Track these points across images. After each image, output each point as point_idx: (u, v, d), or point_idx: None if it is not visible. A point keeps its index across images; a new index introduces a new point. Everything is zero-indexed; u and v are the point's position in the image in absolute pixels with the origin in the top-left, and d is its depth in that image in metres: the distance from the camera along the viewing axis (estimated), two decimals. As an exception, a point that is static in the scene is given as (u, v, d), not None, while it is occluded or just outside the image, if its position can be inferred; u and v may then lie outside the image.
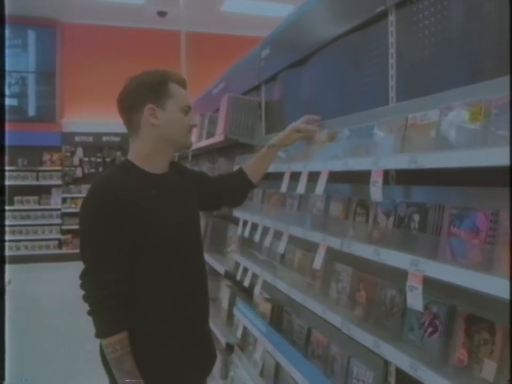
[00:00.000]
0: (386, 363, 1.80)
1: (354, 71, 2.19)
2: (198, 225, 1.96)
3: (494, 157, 1.15)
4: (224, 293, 3.77)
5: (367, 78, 2.07)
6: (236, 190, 2.23)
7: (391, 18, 1.87)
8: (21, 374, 3.89)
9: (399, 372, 1.74)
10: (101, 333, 1.61)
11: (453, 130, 1.40)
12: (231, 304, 3.49)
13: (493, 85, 1.36)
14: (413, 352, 1.47)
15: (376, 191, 1.56)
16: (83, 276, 1.64)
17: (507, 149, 1.11)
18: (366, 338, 1.64)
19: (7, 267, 7.07)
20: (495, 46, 1.45)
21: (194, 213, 1.94)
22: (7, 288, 4.78)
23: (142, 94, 1.72)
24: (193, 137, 4.68)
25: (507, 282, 1.10)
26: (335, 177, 1.98)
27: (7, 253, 7.89)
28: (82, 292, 1.64)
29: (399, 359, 1.46)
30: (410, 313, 1.59)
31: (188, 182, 1.97)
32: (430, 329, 1.50)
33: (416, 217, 1.55)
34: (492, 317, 1.32)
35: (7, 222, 9.21)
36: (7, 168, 9.68)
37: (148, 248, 1.69)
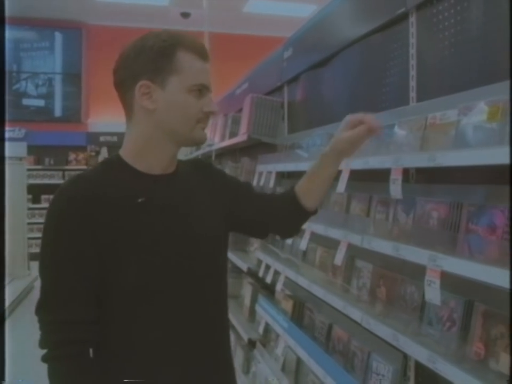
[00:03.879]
0: (405, 358, 1.83)
1: (376, 72, 2.23)
2: (213, 250, 1.38)
3: (505, 154, 1.19)
4: (246, 290, 3.84)
5: (388, 78, 2.11)
6: (287, 219, 1.55)
7: (412, 19, 1.91)
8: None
9: (418, 366, 1.78)
10: None
11: (471, 129, 1.44)
12: (253, 301, 3.55)
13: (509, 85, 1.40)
14: (431, 345, 1.50)
15: (395, 189, 1.60)
16: (38, 311, 1.21)
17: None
18: (385, 332, 1.68)
19: (32, 264, 7.24)
20: (514, 46, 1.48)
21: (210, 233, 1.36)
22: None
23: (136, 65, 1.25)
24: (217, 137, 4.74)
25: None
26: (356, 175, 2.03)
27: (33, 250, 8.10)
28: None
29: (417, 352, 1.50)
30: (429, 308, 1.62)
31: (213, 189, 1.43)
32: (448, 324, 1.53)
33: (435, 214, 1.59)
34: (508, 311, 1.35)
35: (34, 220, 9.42)
36: (34, 167, 9.93)
37: (124, 282, 1.23)
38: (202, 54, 1.28)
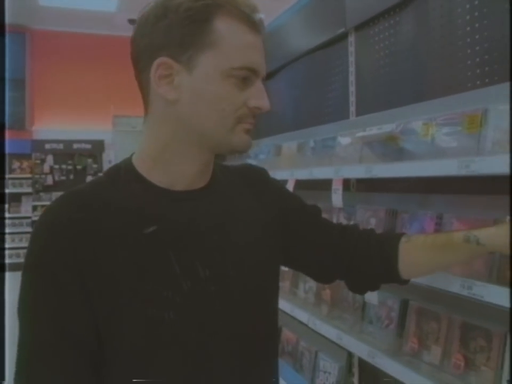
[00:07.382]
0: (350, 355, 1.96)
1: (320, 86, 2.36)
2: (257, 299, 0.98)
3: (435, 167, 1.32)
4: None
5: (330, 93, 2.25)
6: (367, 274, 1.11)
7: (351, 39, 2.04)
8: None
9: (361, 362, 1.91)
10: None
11: (406, 143, 1.58)
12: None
13: (439, 103, 1.54)
14: (371, 342, 1.63)
15: (337, 198, 1.72)
16: (15, 377, 0.85)
17: (447, 161, 1.29)
18: (330, 332, 1.80)
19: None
20: (440, 68, 1.63)
21: (254, 274, 0.97)
22: None
23: (154, 34, 0.87)
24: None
25: (447, 276, 1.28)
26: (303, 185, 2.14)
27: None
28: None
29: (359, 348, 1.62)
30: (370, 308, 1.75)
31: (264, 212, 1.04)
32: (386, 322, 1.66)
33: (373, 220, 1.72)
34: (439, 309, 1.49)
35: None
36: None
37: (125, 345, 0.86)
38: (253, 22, 0.88)
